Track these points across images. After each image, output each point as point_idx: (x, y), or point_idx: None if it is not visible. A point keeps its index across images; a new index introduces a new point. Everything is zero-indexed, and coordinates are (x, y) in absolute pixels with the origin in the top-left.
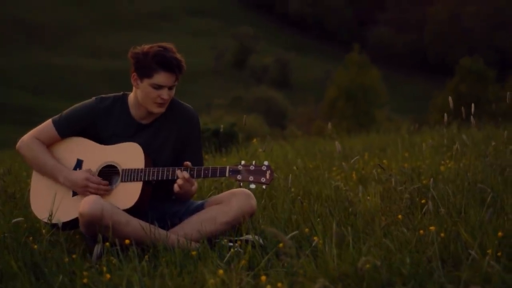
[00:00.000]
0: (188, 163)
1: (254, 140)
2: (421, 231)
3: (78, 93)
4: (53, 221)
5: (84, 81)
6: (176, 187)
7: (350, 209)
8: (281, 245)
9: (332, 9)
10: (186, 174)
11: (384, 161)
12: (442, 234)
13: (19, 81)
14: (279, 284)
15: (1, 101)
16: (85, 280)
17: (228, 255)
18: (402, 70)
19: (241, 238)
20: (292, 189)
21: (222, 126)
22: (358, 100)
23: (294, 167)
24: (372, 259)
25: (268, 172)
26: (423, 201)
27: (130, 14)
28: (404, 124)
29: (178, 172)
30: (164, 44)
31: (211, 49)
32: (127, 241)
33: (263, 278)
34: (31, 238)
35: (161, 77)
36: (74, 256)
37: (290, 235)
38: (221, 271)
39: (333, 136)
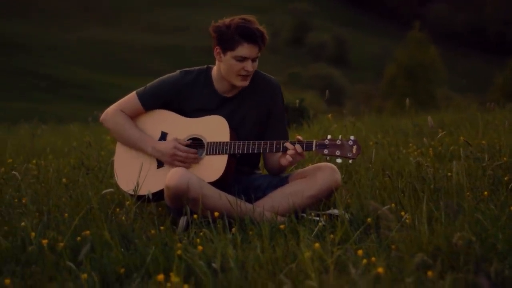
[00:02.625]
0: (299, 137)
1: (329, 115)
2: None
3: (133, 69)
4: (140, 193)
5: (139, 57)
6: (286, 159)
7: (432, 186)
8: (369, 220)
9: None
10: (299, 148)
11: (461, 137)
12: None
13: (75, 57)
14: (373, 258)
15: (58, 76)
16: (178, 252)
17: (316, 229)
18: (461, 48)
19: (328, 212)
20: (369, 165)
21: (297, 101)
22: (418, 78)
23: (371, 143)
24: (466, 235)
25: (355, 146)
26: (506, 177)
27: None
28: (473, 102)
29: (288, 144)
30: (245, 16)
31: (268, 25)
32: (216, 214)
33: (360, 252)
34: (118, 209)
35: (244, 49)
36: (162, 228)
37: (385, 207)
38: (317, 244)
39: (404, 112)
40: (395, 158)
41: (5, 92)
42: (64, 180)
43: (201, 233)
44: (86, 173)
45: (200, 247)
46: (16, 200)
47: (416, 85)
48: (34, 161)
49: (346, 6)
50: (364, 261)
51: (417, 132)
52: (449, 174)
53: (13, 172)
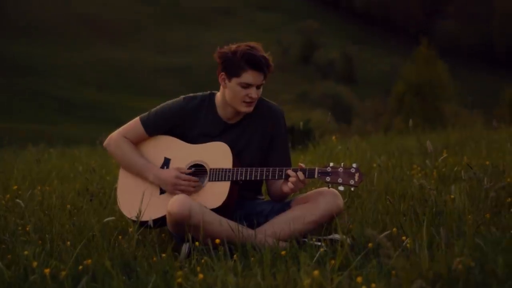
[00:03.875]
0: (301, 164)
1: (334, 137)
2: None
3: (142, 88)
4: (142, 219)
5: (148, 76)
6: (288, 186)
7: (434, 209)
8: (370, 245)
9: (398, 1)
10: (301, 175)
11: (465, 157)
12: None
13: (83, 77)
14: (373, 285)
15: (67, 97)
16: (179, 280)
17: (317, 254)
18: (468, 64)
19: (329, 237)
20: (372, 188)
21: (301, 123)
22: (425, 95)
23: (374, 165)
24: (466, 260)
25: (357, 174)
26: (508, 199)
27: (194, 9)
28: (478, 119)
29: (290, 171)
30: (251, 43)
31: (276, 44)
32: (217, 241)
33: (359, 279)
34: (120, 237)
35: (249, 76)
36: (163, 255)
37: (383, 234)
38: (316, 272)
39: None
40: (398, 180)
41: (14, 114)
42: (68, 206)
43: (203, 261)
44: (90, 200)
45: (201, 275)
46: (20, 228)
47: (424, 102)
48: (39, 187)
49: (354, 23)
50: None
51: (422, 152)
52: (452, 196)
53: (17, 200)
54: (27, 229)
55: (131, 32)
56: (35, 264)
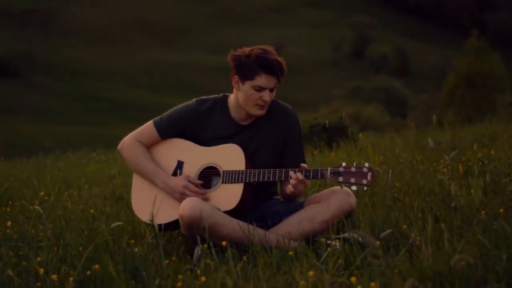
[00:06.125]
0: (304, 165)
1: (360, 134)
2: None
3: (194, 89)
4: (155, 223)
5: (200, 77)
6: (289, 188)
7: (452, 204)
8: (378, 243)
9: None
10: (300, 175)
11: (492, 151)
12: None
13: (136, 79)
14: (372, 284)
15: (120, 99)
16: (179, 284)
17: (325, 254)
18: None
19: (338, 236)
20: (397, 184)
21: (327, 121)
22: (478, 86)
23: (400, 161)
24: (465, 257)
25: (370, 173)
26: None
27: (245, 8)
28: None
29: (291, 173)
30: (264, 46)
31: (328, 40)
32: (224, 243)
33: (353, 279)
34: (133, 241)
35: (262, 79)
36: (173, 258)
37: (382, 234)
38: (311, 273)
39: (444, 127)
40: (421, 176)
41: (71, 117)
42: (91, 211)
43: (212, 262)
44: (116, 203)
45: (203, 278)
46: (41, 234)
47: (476, 93)
48: (66, 193)
49: (405, 17)
50: (359, 287)
51: (451, 147)
52: (472, 191)
53: (36, 206)
54: (41, 234)
55: (182, 34)
56: (41, 270)
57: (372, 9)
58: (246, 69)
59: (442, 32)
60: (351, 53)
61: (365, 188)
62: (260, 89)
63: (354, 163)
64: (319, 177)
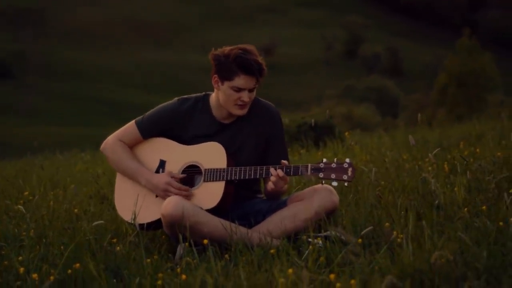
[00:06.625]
0: (285, 161)
1: (346, 133)
2: (500, 223)
3: (189, 89)
4: (137, 222)
5: (194, 77)
6: (270, 185)
7: (436, 202)
8: (360, 240)
9: None
10: (280, 172)
11: (477, 149)
12: None
13: (131, 80)
14: (352, 281)
15: (116, 99)
16: (159, 282)
17: (306, 252)
18: None
19: (320, 234)
20: (382, 182)
21: (313, 120)
22: (469, 86)
23: (385, 159)
24: (445, 254)
25: (350, 169)
26: (511, 191)
27: (239, 8)
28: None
29: (272, 170)
30: (245, 46)
31: (321, 39)
32: (205, 241)
33: (332, 276)
34: (115, 240)
35: (241, 80)
36: (155, 257)
37: (363, 231)
38: (290, 270)
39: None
40: (406, 174)
41: (66, 118)
42: (75, 210)
43: (194, 261)
44: (101, 203)
45: (183, 276)
46: (24, 233)
47: (468, 93)
48: (52, 192)
49: (397, 16)
50: (338, 285)
51: (438, 146)
52: (455, 189)
53: (18, 206)
54: (24, 234)
55: (176, 33)
56: (22, 269)
57: (364, 9)
58: (225, 69)
59: (434, 31)
60: (343, 53)
61: (346, 184)
62: (238, 89)
63: (335, 159)
64: (299, 173)
